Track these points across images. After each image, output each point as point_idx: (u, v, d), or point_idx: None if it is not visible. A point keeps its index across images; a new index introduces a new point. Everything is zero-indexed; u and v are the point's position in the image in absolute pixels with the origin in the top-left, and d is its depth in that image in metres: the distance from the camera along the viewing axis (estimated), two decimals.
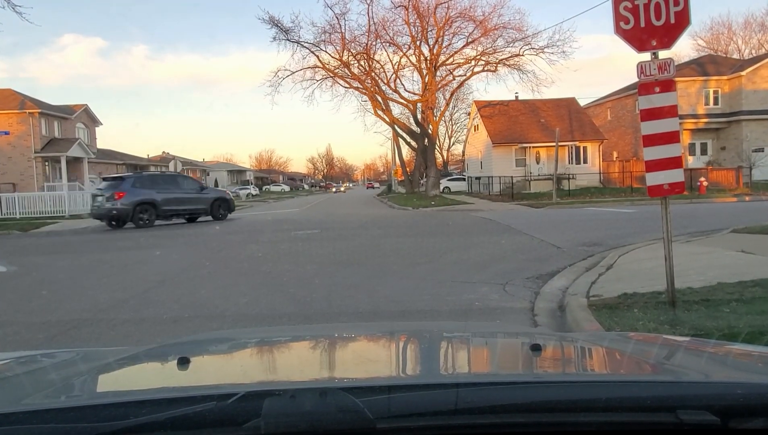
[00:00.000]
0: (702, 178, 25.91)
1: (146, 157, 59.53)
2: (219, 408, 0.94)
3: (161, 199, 18.86)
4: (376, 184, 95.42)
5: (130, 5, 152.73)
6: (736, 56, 50.71)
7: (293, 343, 1.88)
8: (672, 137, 4.47)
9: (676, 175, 4.51)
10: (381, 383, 1.08)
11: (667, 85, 4.45)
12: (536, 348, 1.45)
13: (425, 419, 0.94)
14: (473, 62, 33.24)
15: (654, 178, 4.56)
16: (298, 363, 1.57)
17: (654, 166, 4.52)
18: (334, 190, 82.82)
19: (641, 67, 4.46)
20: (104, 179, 21.56)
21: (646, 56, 4.49)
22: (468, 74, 33.87)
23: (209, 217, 20.39)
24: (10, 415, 0.97)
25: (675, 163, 4.49)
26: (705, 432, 0.95)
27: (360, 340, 1.90)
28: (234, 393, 0.96)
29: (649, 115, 4.47)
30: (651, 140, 4.48)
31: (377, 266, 8.79)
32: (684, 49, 68.19)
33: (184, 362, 1.40)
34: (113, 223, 18.68)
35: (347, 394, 0.95)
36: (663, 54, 4.48)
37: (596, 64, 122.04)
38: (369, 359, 1.58)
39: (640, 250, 8.97)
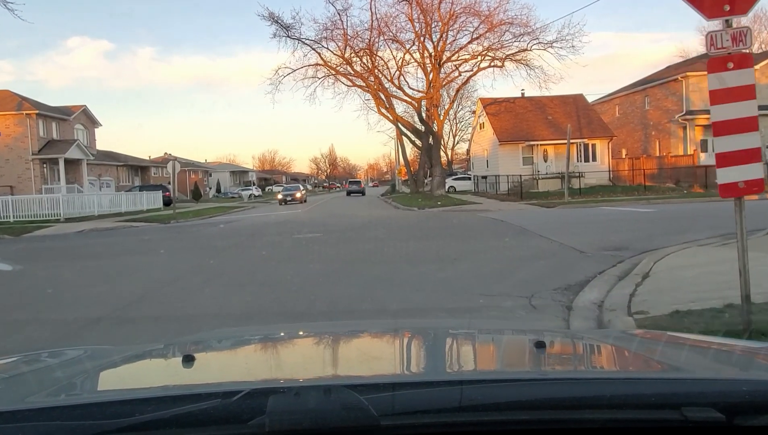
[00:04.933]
0: None
1: (148, 158, 58.89)
2: (224, 405, 0.93)
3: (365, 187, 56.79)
4: (377, 184, 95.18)
5: (136, 7, 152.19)
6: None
7: (297, 340, 1.87)
8: (749, 124, 3.63)
9: (753, 171, 3.67)
10: (385, 381, 1.08)
11: (743, 61, 3.61)
12: (540, 345, 1.43)
13: (429, 416, 0.93)
14: (479, 58, 32.35)
15: (726, 175, 3.71)
16: (302, 360, 1.56)
17: (727, 159, 3.67)
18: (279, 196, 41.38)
19: (711, 39, 3.62)
20: (350, 181, 51.07)
21: (717, 25, 3.65)
22: (474, 70, 32.95)
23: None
24: (16, 412, 0.98)
25: (752, 155, 3.65)
26: (710, 429, 0.94)
27: (364, 338, 1.88)
28: (238, 390, 0.95)
29: (721, 97, 3.63)
30: (724, 128, 3.64)
31: (384, 275, 7.96)
32: (691, 44, 67.25)
33: (188, 360, 1.39)
34: (358, 195, 48.08)
35: (351, 391, 0.94)
36: (737, 22, 3.64)
37: (599, 63, 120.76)
38: (373, 357, 1.56)
39: (674, 255, 8.11)
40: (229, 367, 1.54)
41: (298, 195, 39.88)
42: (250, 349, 1.75)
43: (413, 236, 13.22)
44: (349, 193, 52.33)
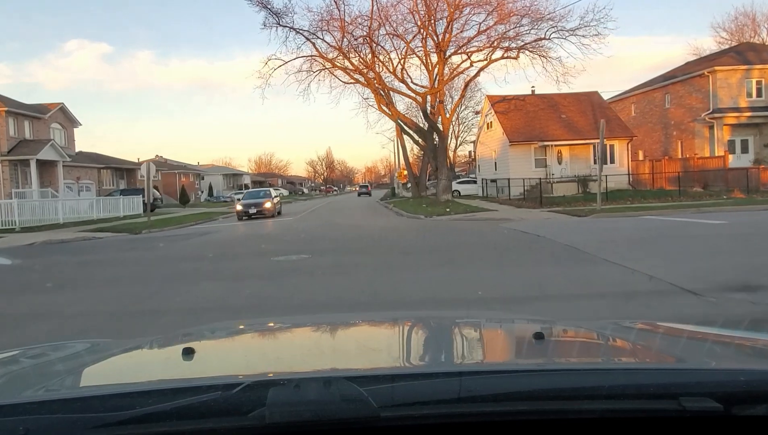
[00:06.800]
0: None
1: (136, 160, 55.91)
2: (224, 398, 0.93)
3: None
4: (372, 187, 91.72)
5: (136, 10, 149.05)
6: None
7: (297, 332, 1.90)
8: None
9: None
10: (385, 372, 1.08)
11: None
12: (539, 336, 1.42)
13: (429, 407, 0.94)
14: (491, 48, 29.30)
15: None
16: (302, 352, 1.56)
17: None
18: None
19: None
20: (360, 185, 74.58)
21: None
22: (487, 60, 29.80)
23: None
24: (17, 406, 0.97)
25: None
26: (708, 419, 0.94)
27: (364, 329, 1.91)
28: (239, 383, 0.95)
29: None
30: None
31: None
32: (705, 42, 64.31)
33: (189, 352, 1.38)
34: (366, 195, 63.45)
35: (351, 383, 0.94)
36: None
37: (598, 65, 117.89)
38: (373, 348, 1.55)
39: None
40: (229, 359, 1.53)
41: (268, 205, 25.75)
42: (249, 342, 1.77)
43: (432, 260, 9.99)
44: (359, 195, 70.41)
